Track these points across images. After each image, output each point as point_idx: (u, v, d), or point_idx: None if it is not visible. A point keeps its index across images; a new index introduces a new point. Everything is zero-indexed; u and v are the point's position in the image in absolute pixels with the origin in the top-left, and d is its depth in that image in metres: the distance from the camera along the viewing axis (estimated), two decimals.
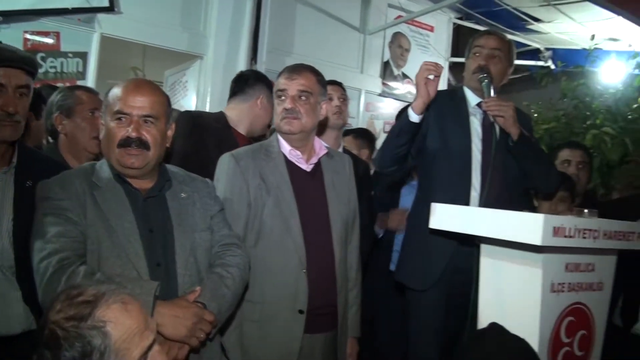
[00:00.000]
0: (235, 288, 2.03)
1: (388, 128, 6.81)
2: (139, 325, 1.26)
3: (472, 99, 2.77)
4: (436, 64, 2.49)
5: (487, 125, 2.66)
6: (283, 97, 2.36)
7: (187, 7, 5.19)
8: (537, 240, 1.85)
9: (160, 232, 1.94)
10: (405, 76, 7.07)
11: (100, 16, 4.61)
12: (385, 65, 6.89)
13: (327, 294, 2.35)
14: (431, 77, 2.45)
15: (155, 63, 6.33)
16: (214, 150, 2.62)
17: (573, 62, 6.01)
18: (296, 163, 2.39)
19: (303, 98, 2.35)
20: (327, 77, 3.70)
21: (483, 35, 2.81)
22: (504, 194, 2.60)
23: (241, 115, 3.06)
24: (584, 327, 2.23)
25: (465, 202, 2.59)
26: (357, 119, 6.63)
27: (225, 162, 2.34)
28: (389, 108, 6.94)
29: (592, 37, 5.05)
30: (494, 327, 2.02)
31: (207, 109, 5.06)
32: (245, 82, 3.13)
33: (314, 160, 2.43)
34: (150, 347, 1.28)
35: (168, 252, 1.93)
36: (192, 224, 2.01)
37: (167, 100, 2.02)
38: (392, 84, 6.95)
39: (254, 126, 3.12)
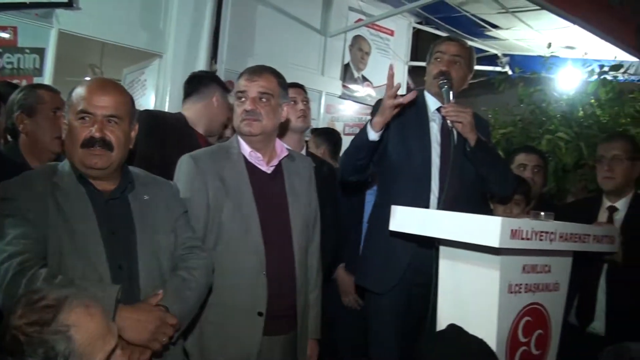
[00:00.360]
0: (199, 291, 2.01)
1: (348, 130, 6.86)
2: (102, 329, 1.25)
3: (432, 104, 2.79)
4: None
5: (446, 130, 2.67)
6: (243, 99, 2.34)
7: (146, 4, 5.11)
8: (495, 243, 1.87)
9: (122, 234, 1.90)
10: (365, 79, 7.13)
11: (59, 11, 4.51)
12: (346, 68, 6.95)
13: (287, 296, 2.34)
14: (399, 101, 2.44)
15: (114, 61, 6.22)
16: (175, 151, 2.57)
17: (530, 69, 6.12)
18: (256, 165, 2.37)
19: (264, 100, 2.33)
20: (288, 79, 3.68)
21: (444, 42, 2.83)
22: (461, 198, 2.62)
23: (198, 115, 3.06)
24: (540, 327, 2.27)
25: (425, 205, 2.60)
26: (318, 121, 6.66)
27: (184, 164, 2.30)
28: (349, 110, 6.99)
29: (549, 45, 5.17)
30: (453, 328, 2.04)
31: (166, 109, 5.00)
32: (200, 82, 3.15)
33: (275, 162, 2.41)
34: (113, 351, 1.26)
35: (130, 254, 1.89)
36: (155, 227, 1.98)
37: (131, 101, 1.99)
38: (352, 86, 7.00)
39: (212, 125, 3.12)
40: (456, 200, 2.58)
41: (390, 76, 2.45)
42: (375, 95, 7.11)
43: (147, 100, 5.46)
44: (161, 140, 2.74)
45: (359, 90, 7.07)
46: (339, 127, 6.85)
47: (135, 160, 2.32)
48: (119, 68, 6.06)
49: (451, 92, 2.60)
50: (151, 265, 1.92)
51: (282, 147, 2.47)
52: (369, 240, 2.86)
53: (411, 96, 2.45)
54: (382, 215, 2.55)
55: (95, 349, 1.22)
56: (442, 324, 2.20)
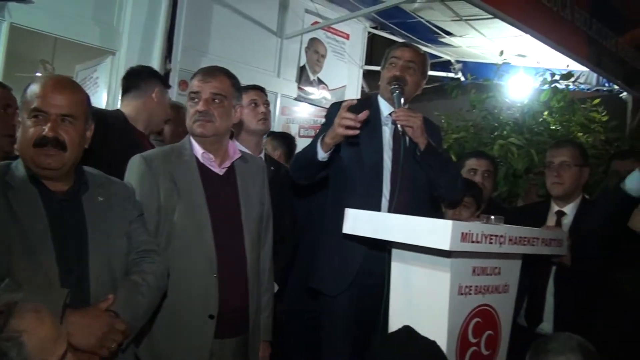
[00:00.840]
0: (151, 296, 1.97)
1: (303, 132, 6.86)
2: (53, 333, 1.22)
3: (385, 108, 2.81)
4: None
5: (398, 135, 2.69)
6: (196, 100, 2.31)
7: (101, 0, 5.00)
8: (445, 246, 1.91)
9: (74, 237, 1.84)
10: (320, 82, 7.14)
11: (11, 4, 4.36)
12: (302, 70, 6.93)
13: (239, 298, 2.32)
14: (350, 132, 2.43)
15: (66, 57, 6.05)
16: (115, 149, 2.53)
17: (482, 75, 6.26)
18: (208, 166, 2.34)
19: (217, 101, 2.30)
20: (243, 80, 3.65)
21: (399, 47, 2.86)
22: (413, 201, 2.66)
23: (138, 112, 2.97)
24: (490, 328, 2.32)
25: (376, 208, 2.61)
26: (273, 123, 6.61)
27: (135, 164, 2.26)
28: (304, 112, 6.99)
29: (501, 53, 5.29)
30: (405, 330, 2.05)
31: (118, 107, 4.89)
32: (138, 77, 3.04)
33: (227, 163, 2.39)
34: (64, 356, 1.23)
35: (81, 258, 1.84)
36: (109, 229, 1.93)
37: (87, 100, 1.94)
38: (307, 88, 6.99)
39: (152, 122, 3.03)
40: (407, 203, 2.62)
41: (345, 107, 2.42)
42: (331, 97, 7.13)
43: (98, 98, 5.33)
44: (100, 139, 2.66)
45: (315, 92, 7.07)
46: (294, 129, 6.85)
47: None
48: (71, 64, 5.90)
49: (402, 97, 2.63)
50: (103, 269, 1.87)
51: (234, 149, 2.45)
52: (322, 242, 2.84)
53: (363, 116, 2.41)
54: (334, 218, 2.57)
55: (47, 354, 1.20)
56: (394, 325, 2.23)
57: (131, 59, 5.12)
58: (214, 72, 2.35)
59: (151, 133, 3.13)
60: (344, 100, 2.68)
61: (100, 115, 2.87)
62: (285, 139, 4.25)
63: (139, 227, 2.05)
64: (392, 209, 2.60)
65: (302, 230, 3.40)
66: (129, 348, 1.93)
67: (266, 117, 3.19)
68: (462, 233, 1.94)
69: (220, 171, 2.37)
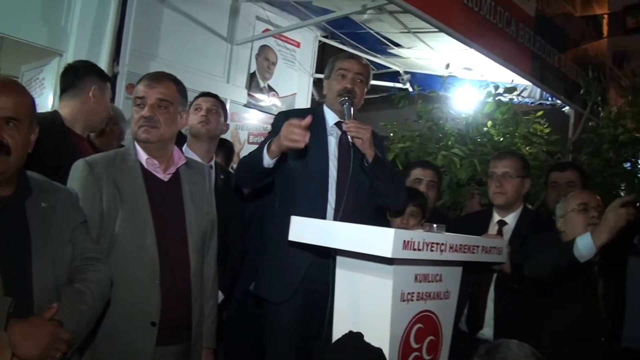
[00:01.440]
0: (95, 305, 1.93)
1: (253, 139, 6.84)
2: None
3: (331, 118, 2.85)
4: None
5: (344, 145, 2.75)
6: (142, 105, 2.29)
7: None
8: (387, 253, 1.94)
9: (16, 244, 1.79)
10: (271, 89, 7.15)
11: None
12: (252, 77, 6.93)
13: (181, 305, 2.30)
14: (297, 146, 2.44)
15: (12, 57, 5.87)
16: (50, 156, 2.44)
17: (430, 87, 6.40)
18: (153, 172, 2.32)
19: (162, 107, 2.29)
20: (193, 85, 3.65)
21: (347, 59, 2.89)
22: (358, 210, 2.71)
23: (75, 113, 2.82)
24: (432, 333, 2.36)
25: (321, 216, 2.65)
26: None
27: (78, 169, 2.21)
28: (254, 119, 6.99)
29: (447, 65, 5.41)
30: (349, 336, 2.08)
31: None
32: (75, 75, 2.89)
33: (172, 169, 2.37)
34: None
35: (24, 265, 1.79)
36: (52, 236, 1.88)
37: (32, 102, 1.89)
38: (257, 95, 7.00)
39: (91, 122, 2.91)
40: (353, 212, 2.67)
41: (297, 124, 2.41)
42: (281, 105, 7.15)
43: (44, 100, 5.20)
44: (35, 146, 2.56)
45: (265, 99, 7.07)
46: (243, 135, 6.84)
47: None
48: (18, 65, 5.72)
49: (352, 109, 2.68)
50: (46, 277, 1.83)
51: (179, 155, 2.43)
52: (267, 249, 2.85)
53: (307, 121, 2.41)
54: (279, 224, 2.58)
55: None
56: (338, 332, 2.24)
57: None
58: (160, 78, 2.34)
59: (92, 132, 3.04)
60: (292, 110, 2.71)
61: None
62: (224, 145, 4.22)
63: (82, 234, 2.01)
64: (338, 217, 2.64)
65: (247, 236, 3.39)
66: (73, 358, 1.89)
67: (206, 120, 3.19)
68: (404, 241, 1.98)
69: (164, 177, 2.35)
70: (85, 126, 2.88)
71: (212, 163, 3.24)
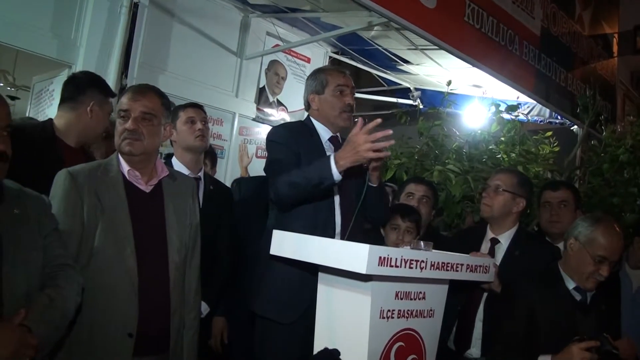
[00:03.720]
0: (65, 311, 1.95)
1: (261, 153, 6.87)
2: None
3: (325, 133, 2.85)
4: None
5: None
6: (126, 118, 2.32)
7: (59, 13, 4.97)
8: (362, 269, 1.93)
9: None
10: (280, 103, 7.19)
11: None
12: (261, 91, 6.98)
13: (159, 317, 2.32)
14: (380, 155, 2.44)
15: (26, 68, 6.02)
16: (34, 166, 2.46)
17: (439, 103, 6.40)
18: (135, 184, 2.35)
19: (146, 120, 2.33)
20: (202, 99, 3.65)
21: (343, 74, 2.88)
22: (360, 228, 2.71)
23: (69, 126, 2.83)
24: (414, 352, 2.33)
25: (329, 234, 2.63)
26: (230, 142, 6.65)
27: (61, 179, 2.25)
28: (262, 133, 7.01)
29: (449, 82, 5.39)
30: (324, 352, 2.09)
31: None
32: (76, 87, 2.88)
33: (154, 181, 2.40)
34: None
35: None
36: (24, 242, 1.91)
37: (8, 111, 1.93)
38: (266, 109, 7.04)
39: (85, 137, 2.90)
40: (358, 231, 2.67)
41: (370, 128, 2.39)
42: (290, 119, 7.18)
43: (54, 111, 5.24)
44: (18, 156, 2.58)
45: (274, 114, 7.11)
46: (251, 149, 6.87)
47: None
48: (31, 76, 5.84)
49: None
50: (16, 283, 1.85)
51: (162, 167, 2.46)
52: (270, 266, 2.70)
53: (387, 132, 2.39)
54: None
55: None
56: (318, 348, 2.24)
57: None
58: (144, 91, 2.38)
59: (86, 144, 3.03)
60: (286, 123, 2.73)
61: (19, 131, 2.80)
62: (209, 152, 4.20)
63: (54, 241, 2.04)
64: (345, 237, 2.61)
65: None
66: None
67: (204, 134, 3.20)
68: (380, 257, 1.97)
69: (146, 189, 2.38)
70: (79, 139, 2.88)
71: (201, 174, 3.26)
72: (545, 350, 2.53)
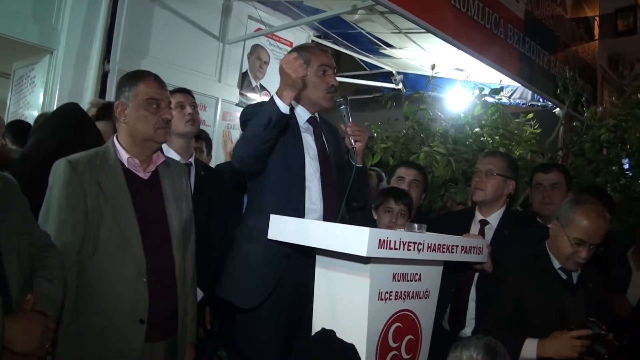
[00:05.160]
0: (62, 290, 1.96)
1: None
2: None
3: (304, 114, 2.79)
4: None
5: (320, 143, 2.75)
6: (156, 106, 2.36)
7: None
8: (363, 252, 1.95)
9: None
10: (263, 88, 7.16)
11: None
12: (244, 76, 6.95)
13: (168, 302, 2.33)
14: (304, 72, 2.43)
15: (5, 54, 5.90)
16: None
17: (421, 87, 6.40)
18: (133, 171, 2.35)
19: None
20: (184, 84, 3.63)
21: (325, 54, 2.83)
22: (339, 209, 2.68)
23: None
24: (410, 332, 2.37)
25: (301, 215, 2.58)
26: (214, 127, 6.62)
27: (60, 168, 2.20)
28: None
29: (433, 66, 5.40)
30: (322, 333, 2.10)
31: (55, 107, 4.78)
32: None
33: (152, 168, 2.40)
34: None
35: None
36: (12, 227, 1.86)
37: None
38: (249, 94, 7.01)
39: None
40: (336, 211, 2.65)
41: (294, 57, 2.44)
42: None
43: (35, 98, 5.23)
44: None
45: (257, 98, 7.06)
46: (235, 134, 6.82)
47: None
48: (10, 62, 5.76)
49: (349, 111, 2.68)
50: (16, 269, 1.82)
51: (158, 153, 2.45)
52: (239, 247, 2.71)
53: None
54: (256, 222, 2.55)
55: None
56: (316, 330, 2.26)
57: (69, 58, 5.08)
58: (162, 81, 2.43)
59: None
60: (257, 102, 2.73)
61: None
62: (200, 136, 4.16)
63: (33, 222, 2.00)
64: (322, 216, 2.63)
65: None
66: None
67: (194, 119, 3.19)
68: (380, 240, 1.99)
69: (145, 175, 2.37)
70: None
71: (192, 160, 3.25)
72: (533, 329, 2.57)
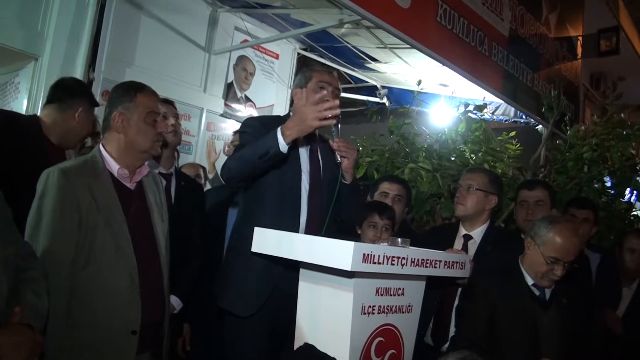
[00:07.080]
0: (47, 302, 1.92)
1: (228, 149, 6.82)
2: None
3: None
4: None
5: (315, 159, 2.76)
6: (155, 120, 2.40)
7: (25, 2, 4.83)
8: (347, 266, 1.95)
9: None
10: (248, 99, 7.15)
11: None
12: (229, 87, 6.93)
13: (156, 312, 2.34)
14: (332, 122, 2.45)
15: None
16: (21, 156, 2.52)
17: (406, 102, 6.46)
18: (121, 181, 2.35)
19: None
20: (169, 94, 3.64)
21: (327, 73, 2.85)
22: (324, 224, 2.68)
23: (55, 125, 2.96)
24: (393, 347, 2.37)
25: (294, 229, 2.59)
26: (198, 138, 6.59)
27: (54, 177, 2.17)
28: (230, 129, 6.97)
29: (419, 82, 5.44)
30: (306, 347, 2.10)
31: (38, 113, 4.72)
32: (66, 91, 3.01)
33: (137, 178, 2.41)
34: None
35: None
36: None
37: None
38: (234, 105, 6.99)
39: (67, 139, 3.03)
40: (321, 225, 2.65)
41: (321, 97, 2.44)
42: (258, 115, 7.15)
43: (19, 104, 5.16)
44: (12, 144, 2.58)
45: (242, 109, 7.06)
46: (219, 145, 6.82)
47: None
48: None
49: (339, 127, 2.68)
50: (4, 279, 1.76)
51: (144, 164, 2.47)
52: (232, 258, 2.75)
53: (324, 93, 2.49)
54: (247, 234, 2.53)
55: None
56: (298, 344, 2.26)
57: (54, 65, 5.01)
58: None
59: (67, 148, 3.10)
60: (264, 116, 2.72)
61: (14, 120, 2.83)
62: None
63: (15, 230, 1.93)
64: (308, 230, 2.63)
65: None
66: None
67: (176, 130, 3.23)
68: (364, 254, 1.99)
69: (131, 186, 2.38)
70: (60, 140, 2.99)
71: (172, 170, 3.27)
72: (507, 344, 2.60)
